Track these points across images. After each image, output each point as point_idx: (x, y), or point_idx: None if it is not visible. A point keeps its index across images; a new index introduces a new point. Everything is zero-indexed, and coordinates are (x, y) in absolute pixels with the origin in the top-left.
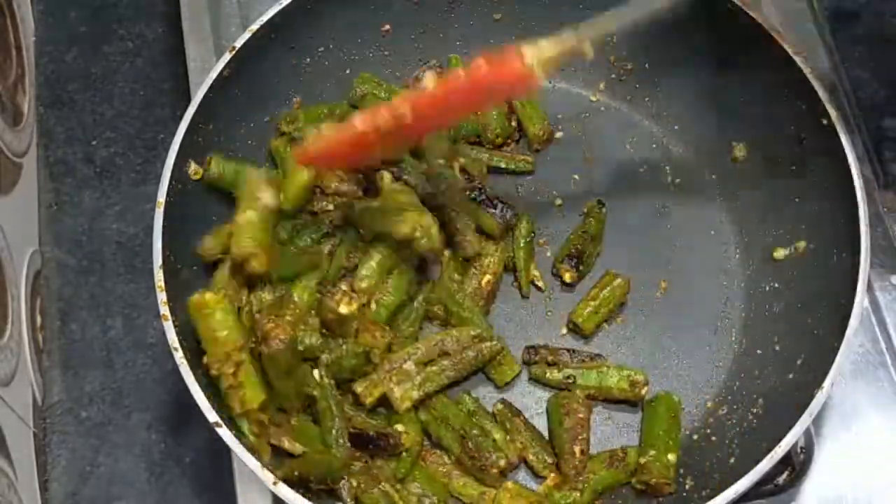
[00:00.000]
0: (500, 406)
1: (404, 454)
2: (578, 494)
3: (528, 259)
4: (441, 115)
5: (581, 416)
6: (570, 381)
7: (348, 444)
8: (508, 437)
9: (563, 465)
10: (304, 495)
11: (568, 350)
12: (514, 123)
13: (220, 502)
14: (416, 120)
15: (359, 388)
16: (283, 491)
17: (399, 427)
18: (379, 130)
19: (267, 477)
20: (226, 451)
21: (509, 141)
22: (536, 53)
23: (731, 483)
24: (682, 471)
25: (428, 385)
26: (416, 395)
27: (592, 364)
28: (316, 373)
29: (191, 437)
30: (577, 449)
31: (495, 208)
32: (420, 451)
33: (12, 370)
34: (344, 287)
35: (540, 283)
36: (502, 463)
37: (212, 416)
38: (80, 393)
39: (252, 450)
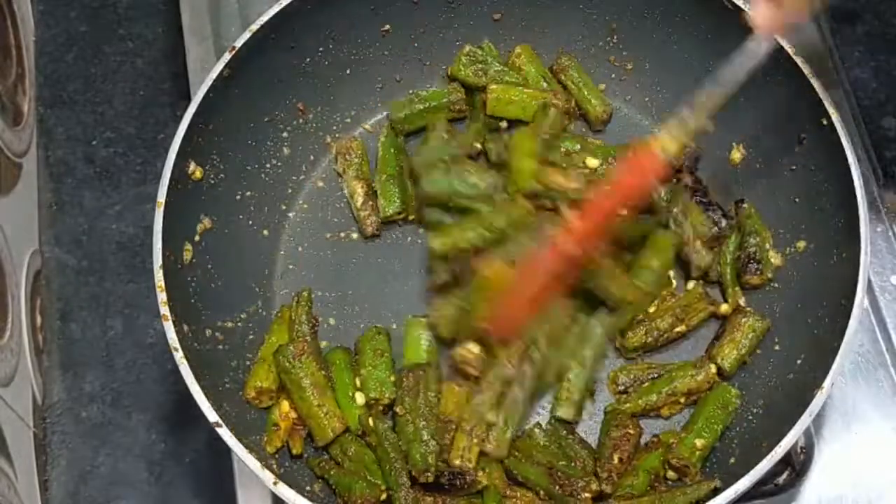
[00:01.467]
0: (553, 424)
1: (488, 494)
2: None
3: (734, 275)
4: (599, 235)
5: (630, 431)
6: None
7: (409, 484)
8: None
9: (599, 469)
10: (303, 495)
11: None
12: (573, 105)
13: (220, 502)
14: (583, 250)
15: (457, 460)
16: (283, 491)
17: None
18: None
19: (267, 477)
20: (226, 451)
21: (568, 123)
22: (667, 145)
23: (731, 483)
24: None
25: (511, 420)
26: (508, 435)
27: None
28: (371, 420)
29: (191, 437)
30: (616, 456)
31: (714, 213)
32: (504, 490)
33: (12, 370)
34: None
35: (741, 301)
36: (594, 486)
37: (212, 416)
38: (80, 393)
39: (255, 446)
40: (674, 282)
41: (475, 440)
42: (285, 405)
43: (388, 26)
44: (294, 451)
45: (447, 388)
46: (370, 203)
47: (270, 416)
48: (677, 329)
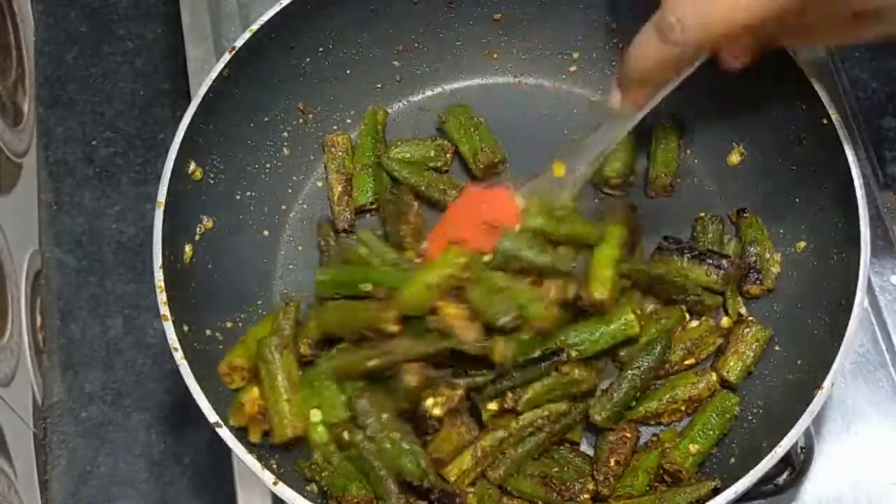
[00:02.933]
0: None
1: None
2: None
3: (734, 285)
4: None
5: (627, 434)
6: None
7: (397, 491)
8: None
9: (596, 472)
10: (303, 495)
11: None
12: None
13: (220, 502)
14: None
15: (452, 476)
16: (283, 491)
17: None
18: None
19: (267, 477)
20: (226, 451)
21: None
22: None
23: (731, 483)
24: None
25: (522, 460)
26: (511, 471)
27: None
28: (346, 435)
29: (191, 437)
30: (612, 459)
31: (711, 260)
32: (500, 500)
33: (12, 370)
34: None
35: (742, 311)
36: (590, 486)
37: (212, 416)
38: (80, 393)
39: (255, 446)
40: (686, 315)
41: (479, 469)
42: (255, 391)
43: (388, 26)
44: (251, 439)
45: (444, 432)
46: (346, 198)
47: (239, 395)
48: (687, 361)
